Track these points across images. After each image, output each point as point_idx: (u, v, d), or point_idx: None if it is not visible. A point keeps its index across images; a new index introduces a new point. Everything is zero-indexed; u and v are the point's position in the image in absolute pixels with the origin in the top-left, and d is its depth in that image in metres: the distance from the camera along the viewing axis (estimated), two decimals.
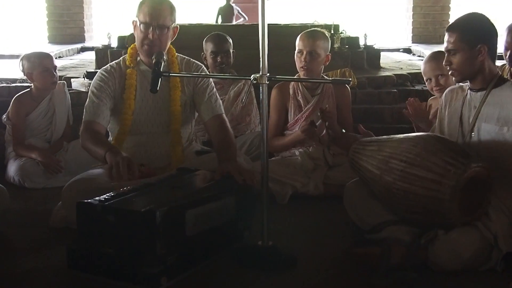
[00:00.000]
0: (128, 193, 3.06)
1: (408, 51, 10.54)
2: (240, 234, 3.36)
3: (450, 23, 3.41)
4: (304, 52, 4.37)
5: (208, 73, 4.10)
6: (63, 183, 3.68)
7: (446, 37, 3.34)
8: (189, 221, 2.93)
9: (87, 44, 10.86)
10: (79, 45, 10.63)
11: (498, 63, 4.49)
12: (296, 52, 4.46)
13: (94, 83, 3.80)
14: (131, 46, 3.91)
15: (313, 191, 4.26)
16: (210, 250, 3.13)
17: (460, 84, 3.56)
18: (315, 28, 4.70)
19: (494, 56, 3.36)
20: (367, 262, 3.05)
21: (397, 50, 10.55)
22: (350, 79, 3.81)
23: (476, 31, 3.29)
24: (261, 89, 3.09)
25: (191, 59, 3.97)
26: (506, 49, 4.43)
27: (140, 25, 3.69)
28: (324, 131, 4.28)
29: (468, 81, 3.39)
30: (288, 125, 4.58)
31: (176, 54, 3.92)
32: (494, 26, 3.35)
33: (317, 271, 3.10)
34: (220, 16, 12.13)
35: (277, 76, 3.25)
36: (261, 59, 3.06)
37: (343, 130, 4.34)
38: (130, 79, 3.81)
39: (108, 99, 3.75)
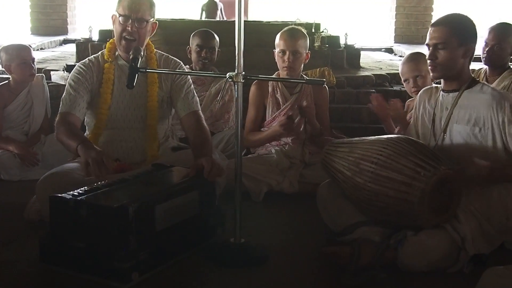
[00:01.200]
0: (101, 188, 3.07)
1: (390, 50, 10.57)
2: (213, 231, 3.38)
3: (438, 19, 3.39)
4: (287, 52, 4.38)
5: (186, 70, 4.11)
6: (39, 176, 3.66)
7: (433, 31, 3.31)
8: (158, 216, 2.96)
9: (70, 36, 10.81)
10: (61, 37, 10.59)
11: (476, 66, 4.57)
12: (277, 51, 4.47)
13: (72, 76, 3.81)
14: (110, 41, 3.92)
15: (288, 189, 4.29)
16: (181, 246, 3.15)
17: (435, 85, 3.60)
18: (293, 26, 4.69)
19: (471, 59, 3.40)
20: (337, 261, 3.08)
21: (379, 49, 10.58)
22: (324, 79, 3.83)
23: (467, 30, 3.33)
24: (236, 88, 3.11)
25: (170, 56, 3.98)
26: (487, 45, 4.53)
27: (119, 17, 3.71)
28: (302, 127, 4.32)
29: (442, 81, 3.43)
30: (266, 122, 4.59)
31: (155, 50, 3.93)
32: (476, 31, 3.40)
33: (288, 269, 3.13)
34: (204, 12, 12.12)
35: (252, 75, 3.28)
36: (236, 58, 3.09)
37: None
38: (107, 73, 3.81)
39: (85, 92, 3.75)
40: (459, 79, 3.35)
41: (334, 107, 5.62)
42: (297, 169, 4.38)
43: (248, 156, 4.55)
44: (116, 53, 3.85)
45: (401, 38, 11.77)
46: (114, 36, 3.86)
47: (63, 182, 3.30)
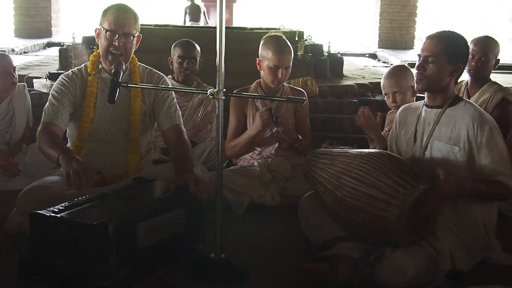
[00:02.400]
0: (82, 204, 3.06)
1: (373, 56, 10.63)
2: (194, 246, 3.39)
3: (435, 32, 3.41)
4: (281, 69, 4.37)
5: (169, 83, 4.11)
6: (21, 187, 3.67)
7: (427, 44, 3.33)
8: (140, 234, 2.96)
9: (54, 39, 10.80)
10: (45, 40, 10.58)
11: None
12: (266, 65, 4.40)
13: (55, 87, 3.81)
14: (94, 53, 3.92)
15: (270, 202, 4.28)
16: (162, 262, 3.15)
17: (419, 99, 3.62)
18: (280, 37, 4.61)
19: (458, 78, 3.44)
20: (315, 278, 3.09)
21: (363, 55, 10.63)
22: (304, 98, 3.83)
23: (461, 50, 3.36)
24: (217, 105, 3.12)
25: (153, 69, 3.99)
26: (473, 56, 4.56)
27: (106, 33, 3.70)
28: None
29: (426, 95, 3.45)
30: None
31: (139, 63, 3.94)
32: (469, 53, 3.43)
33: (268, 285, 3.15)
34: (187, 15, 12.13)
35: (234, 93, 3.29)
36: (218, 74, 3.10)
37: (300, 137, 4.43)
38: (91, 86, 3.82)
39: (68, 103, 3.75)
40: (443, 96, 3.38)
41: (317, 117, 5.65)
42: (279, 182, 4.39)
43: (230, 168, 4.55)
44: (100, 66, 3.85)
45: (385, 43, 11.84)
46: (98, 47, 3.86)
47: (44, 196, 3.31)
